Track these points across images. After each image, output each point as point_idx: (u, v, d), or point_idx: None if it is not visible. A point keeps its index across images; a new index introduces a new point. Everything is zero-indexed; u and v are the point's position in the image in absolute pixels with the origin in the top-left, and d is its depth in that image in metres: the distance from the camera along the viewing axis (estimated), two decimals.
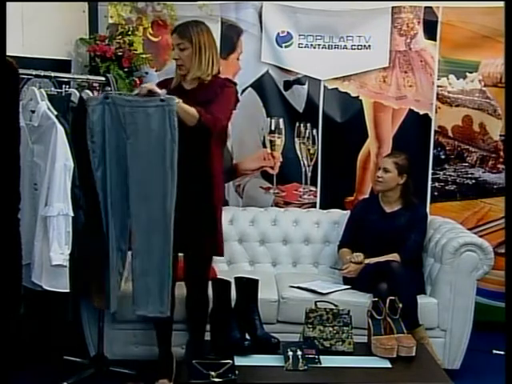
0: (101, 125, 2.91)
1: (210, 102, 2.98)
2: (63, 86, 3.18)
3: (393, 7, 4.14)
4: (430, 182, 4.24)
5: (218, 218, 3.14)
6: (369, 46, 4.16)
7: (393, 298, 3.13)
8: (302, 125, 4.25)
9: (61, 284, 2.85)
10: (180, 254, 3.20)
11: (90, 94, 3.20)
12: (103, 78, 3.45)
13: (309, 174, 4.29)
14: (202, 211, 3.05)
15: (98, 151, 2.90)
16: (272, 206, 4.28)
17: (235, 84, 3.20)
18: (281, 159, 4.27)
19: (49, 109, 2.90)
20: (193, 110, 2.87)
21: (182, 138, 2.88)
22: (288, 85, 4.23)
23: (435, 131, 4.22)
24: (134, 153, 2.89)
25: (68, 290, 2.88)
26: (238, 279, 3.23)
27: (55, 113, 2.90)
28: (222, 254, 3.24)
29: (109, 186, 2.92)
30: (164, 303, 2.94)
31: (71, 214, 2.83)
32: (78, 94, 3.13)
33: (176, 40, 3.08)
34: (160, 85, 3.20)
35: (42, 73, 3.01)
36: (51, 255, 2.78)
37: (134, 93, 2.99)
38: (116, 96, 2.95)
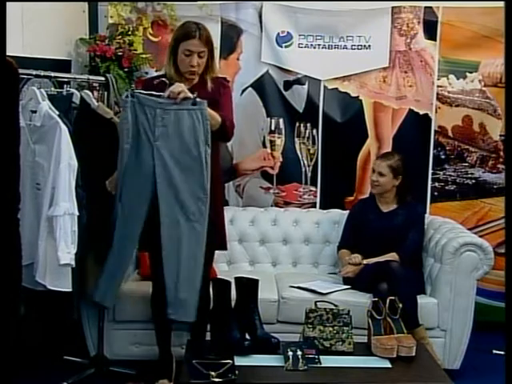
0: (131, 124, 2.89)
1: (212, 103, 2.96)
2: (64, 85, 3.18)
3: (393, 7, 4.15)
4: (430, 182, 4.25)
5: (219, 214, 3.16)
6: (369, 46, 4.16)
7: (393, 297, 3.13)
8: (302, 125, 4.25)
9: (64, 283, 2.86)
10: None
11: (90, 94, 3.20)
12: (103, 78, 3.45)
13: (309, 174, 4.29)
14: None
15: (129, 149, 2.89)
16: (272, 205, 4.28)
17: (228, 81, 3.22)
18: (281, 159, 4.27)
19: (50, 108, 2.90)
20: (217, 115, 2.90)
21: None
22: (288, 85, 4.23)
23: (435, 131, 4.22)
24: (162, 155, 2.87)
25: (70, 290, 2.88)
26: (237, 279, 3.23)
27: (57, 112, 2.90)
28: (225, 248, 3.26)
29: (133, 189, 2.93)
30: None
31: (77, 213, 2.84)
32: (79, 95, 3.13)
33: (198, 47, 2.97)
34: (148, 82, 3.18)
35: (42, 73, 3.01)
36: (59, 255, 2.79)
37: (165, 95, 2.90)
38: (144, 96, 2.91)
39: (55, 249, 2.81)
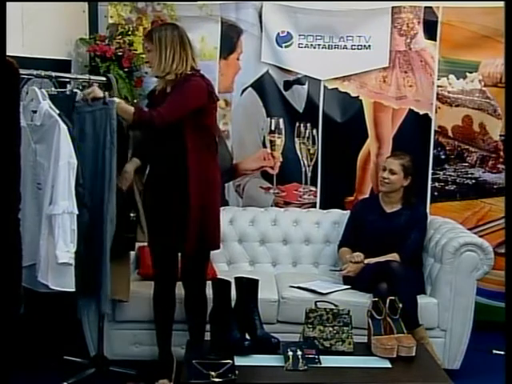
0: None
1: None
2: (67, 85, 3.19)
3: (393, 7, 4.15)
4: (430, 182, 4.24)
5: (212, 214, 3.15)
6: (369, 46, 4.16)
7: (393, 297, 3.13)
8: (302, 125, 4.25)
9: (67, 283, 2.86)
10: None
11: None
12: (103, 78, 3.45)
13: (309, 174, 4.28)
14: (184, 210, 3.06)
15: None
16: (272, 205, 4.28)
17: (201, 76, 3.12)
18: (281, 159, 4.27)
19: (50, 107, 2.90)
20: (129, 109, 3.01)
21: (161, 139, 3.05)
22: (288, 85, 4.23)
23: (435, 131, 4.22)
24: (82, 156, 2.97)
25: (74, 289, 2.88)
26: (237, 279, 3.23)
27: (57, 111, 2.90)
28: (214, 249, 3.26)
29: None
30: None
31: (76, 211, 2.84)
32: (81, 95, 3.14)
33: (144, 43, 3.20)
34: (150, 93, 3.31)
35: (43, 73, 3.01)
36: (57, 253, 2.78)
37: (79, 98, 3.09)
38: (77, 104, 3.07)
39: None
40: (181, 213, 3.05)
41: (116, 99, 3.05)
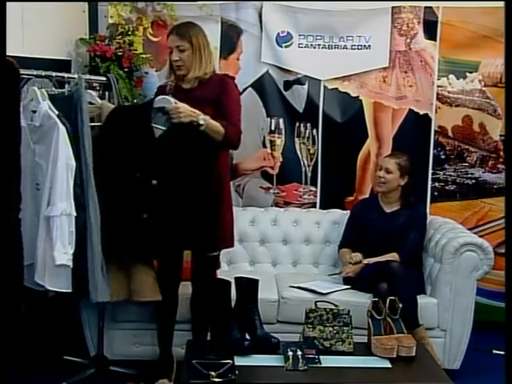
0: None
1: (214, 102, 3.02)
2: (66, 85, 3.18)
3: (393, 7, 4.15)
4: (430, 182, 4.25)
5: (220, 213, 3.15)
6: (369, 46, 4.16)
7: (393, 297, 3.13)
8: (301, 125, 4.25)
9: (63, 284, 2.85)
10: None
11: (93, 93, 3.21)
12: (103, 78, 3.45)
13: (309, 174, 4.29)
14: (195, 209, 3.05)
15: None
16: (272, 205, 4.28)
17: (233, 78, 3.21)
18: (281, 159, 4.27)
19: (50, 108, 2.90)
20: (219, 127, 2.95)
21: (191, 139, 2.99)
22: (288, 85, 4.23)
23: (435, 131, 4.22)
24: None
25: (70, 290, 2.88)
26: (237, 279, 3.23)
27: (56, 112, 2.90)
28: (227, 246, 3.31)
29: None
30: None
31: (74, 213, 2.83)
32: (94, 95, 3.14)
33: (175, 42, 3.11)
34: (161, 88, 3.27)
35: (43, 73, 3.01)
36: (55, 255, 2.77)
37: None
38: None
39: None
40: (192, 212, 3.04)
41: (206, 117, 2.94)
